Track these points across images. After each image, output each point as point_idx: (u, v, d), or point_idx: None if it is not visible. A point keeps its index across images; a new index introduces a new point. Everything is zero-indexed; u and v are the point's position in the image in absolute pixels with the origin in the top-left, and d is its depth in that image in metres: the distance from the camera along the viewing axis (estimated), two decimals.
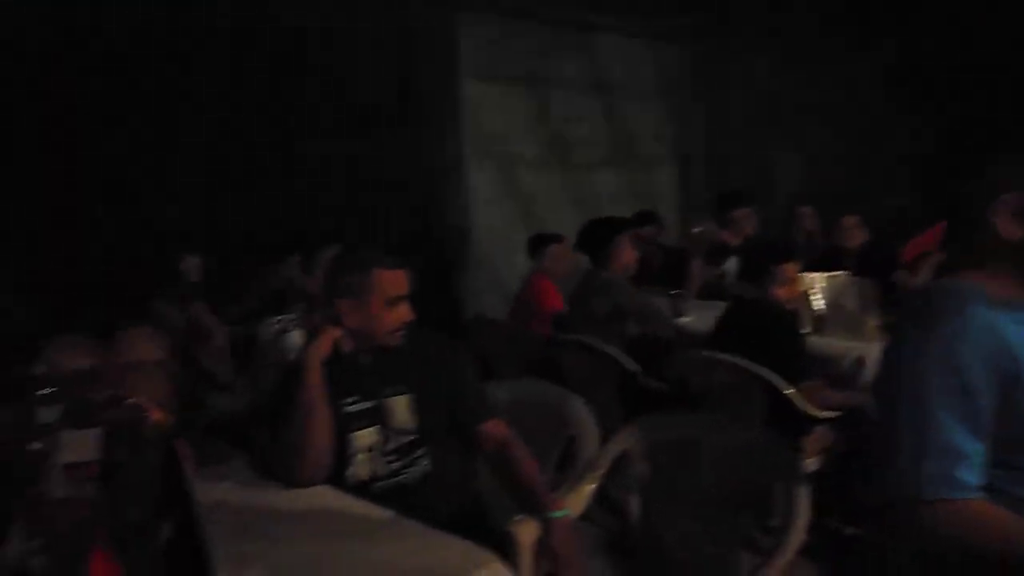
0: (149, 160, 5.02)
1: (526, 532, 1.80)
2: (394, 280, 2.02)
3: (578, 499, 2.05)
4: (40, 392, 1.82)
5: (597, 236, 3.78)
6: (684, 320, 3.86)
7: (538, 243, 4.32)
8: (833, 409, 2.81)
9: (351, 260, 2.06)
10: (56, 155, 4.67)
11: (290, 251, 4.37)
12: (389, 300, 2.00)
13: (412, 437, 2.03)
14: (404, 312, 2.03)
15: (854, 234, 4.58)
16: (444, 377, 2.09)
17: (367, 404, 2.02)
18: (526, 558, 1.78)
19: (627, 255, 3.73)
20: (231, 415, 3.54)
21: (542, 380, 2.59)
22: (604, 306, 3.59)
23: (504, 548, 1.72)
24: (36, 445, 1.81)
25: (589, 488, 2.08)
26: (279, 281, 4.23)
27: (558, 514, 1.82)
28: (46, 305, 3.89)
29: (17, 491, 1.60)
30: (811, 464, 2.83)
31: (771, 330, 2.90)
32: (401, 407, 2.04)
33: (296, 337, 3.13)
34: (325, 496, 1.85)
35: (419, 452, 2.04)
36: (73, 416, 1.87)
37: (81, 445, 1.47)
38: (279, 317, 3.04)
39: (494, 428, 2.07)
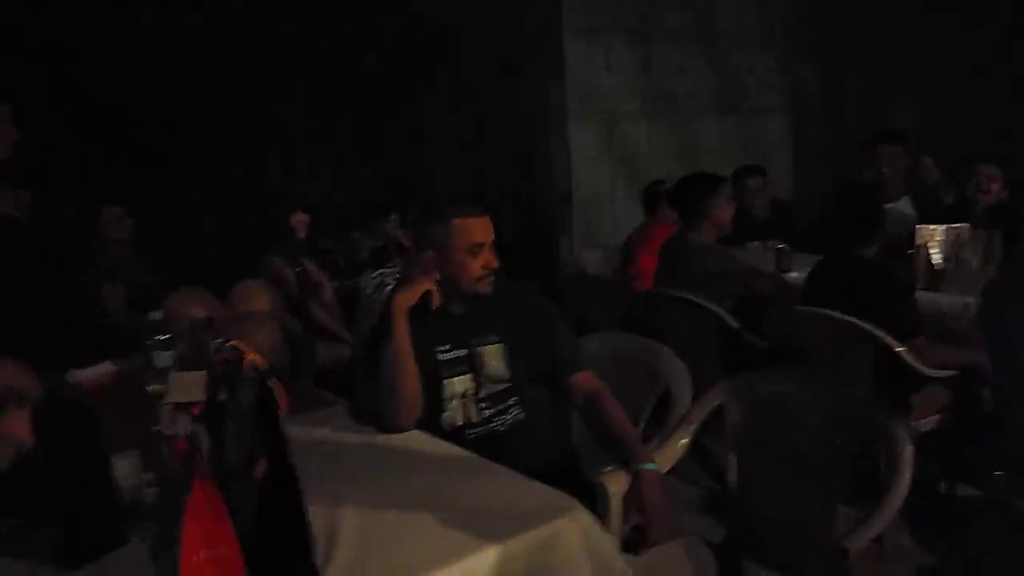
0: (269, 129, 5.28)
1: (615, 483, 1.80)
2: (474, 227, 2.03)
3: (669, 453, 2.03)
4: (157, 338, 1.94)
5: (690, 194, 3.55)
6: (791, 276, 3.72)
7: (654, 192, 4.26)
8: (946, 367, 2.67)
9: (432, 212, 2.09)
10: (184, 124, 4.98)
11: (391, 209, 4.50)
12: (470, 247, 2.01)
13: (504, 386, 2.07)
14: (488, 259, 2.03)
15: (989, 186, 4.20)
16: (536, 327, 2.11)
17: (460, 352, 2.06)
18: (614, 509, 1.79)
19: (722, 213, 3.47)
20: (337, 364, 3.70)
21: (635, 334, 2.56)
22: (704, 270, 3.42)
23: (593, 499, 1.73)
24: (153, 386, 1.96)
25: (681, 442, 2.06)
26: (381, 237, 4.35)
27: (648, 466, 1.81)
28: (169, 260, 4.17)
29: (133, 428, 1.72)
30: (923, 425, 2.70)
31: (862, 286, 2.76)
32: (493, 356, 2.07)
33: None
34: (417, 441, 1.91)
35: (511, 401, 2.07)
36: (184, 360, 2.00)
37: (188, 386, 1.57)
38: (379, 271, 3.12)
39: (584, 379, 2.07)
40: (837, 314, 2.68)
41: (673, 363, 2.32)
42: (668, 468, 2.00)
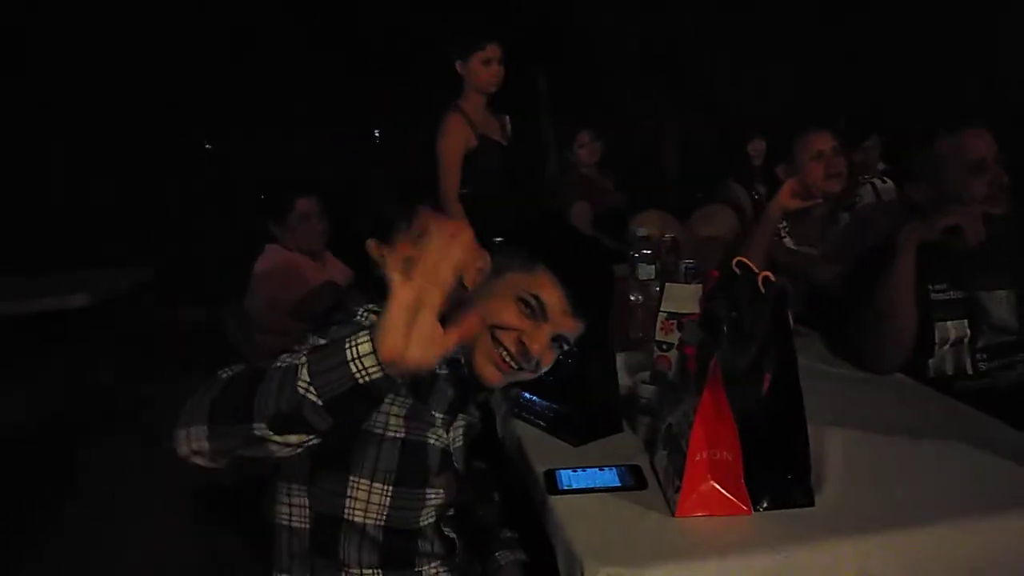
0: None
1: None
2: (971, 141, 1.85)
3: None
4: (643, 251, 2.07)
5: None
6: None
7: None
8: None
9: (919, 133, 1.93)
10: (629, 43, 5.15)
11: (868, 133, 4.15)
12: (971, 164, 1.83)
13: (1011, 338, 1.81)
14: (995, 175, 1.82)
15: None
16: None
17: (957, 294, 1.85)
18: None
19: None
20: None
21: None
22: None
23: None
24: (635, 295, 2.09)
25: None
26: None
27: None
28: (628, 181, 4.43)
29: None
30: None
31: None
32: (999, 303, 1.83)
33: None
34: (904, 384, 1.77)
35: (1019, 356, 1.81)
36: (664, 275, 2.10)
37: (683, 297, 1.64)
38: None
39: None
40: None
41: None
42: None
